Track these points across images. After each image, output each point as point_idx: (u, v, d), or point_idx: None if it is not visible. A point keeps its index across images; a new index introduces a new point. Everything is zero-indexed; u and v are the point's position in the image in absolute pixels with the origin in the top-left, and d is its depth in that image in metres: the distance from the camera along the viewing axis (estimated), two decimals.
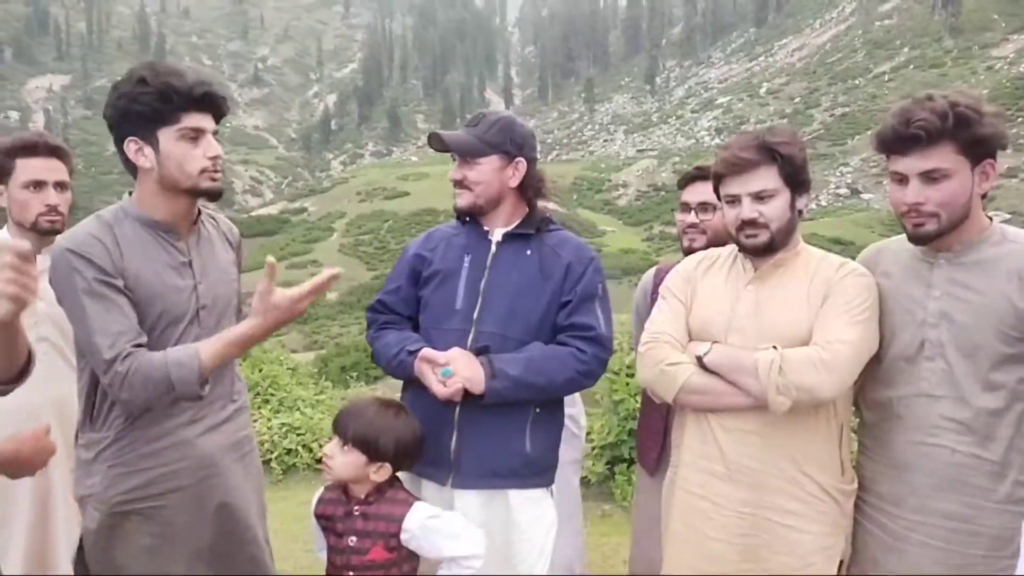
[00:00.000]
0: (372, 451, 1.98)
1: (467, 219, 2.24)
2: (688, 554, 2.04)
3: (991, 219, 1.91)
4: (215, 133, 1.95)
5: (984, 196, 1.87)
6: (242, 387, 2.15)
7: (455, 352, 2.06)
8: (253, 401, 6.25)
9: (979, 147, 1.80)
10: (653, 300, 2.35)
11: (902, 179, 1.86)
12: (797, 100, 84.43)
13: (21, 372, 1.62)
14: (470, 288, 2.14)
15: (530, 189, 2.21)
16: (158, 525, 1.92)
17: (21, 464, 1.74)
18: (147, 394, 1.80)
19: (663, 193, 62.87)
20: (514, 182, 2.18)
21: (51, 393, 2.37)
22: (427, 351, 2.06)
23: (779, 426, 1.91)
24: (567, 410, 2.36)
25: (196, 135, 1.90)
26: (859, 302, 1.91)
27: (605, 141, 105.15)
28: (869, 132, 1.98)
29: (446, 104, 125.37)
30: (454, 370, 2.01)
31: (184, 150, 1.89)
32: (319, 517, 2.09)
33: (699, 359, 1.96)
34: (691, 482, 2.04)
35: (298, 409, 6.40)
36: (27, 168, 2.38)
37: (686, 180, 2.66)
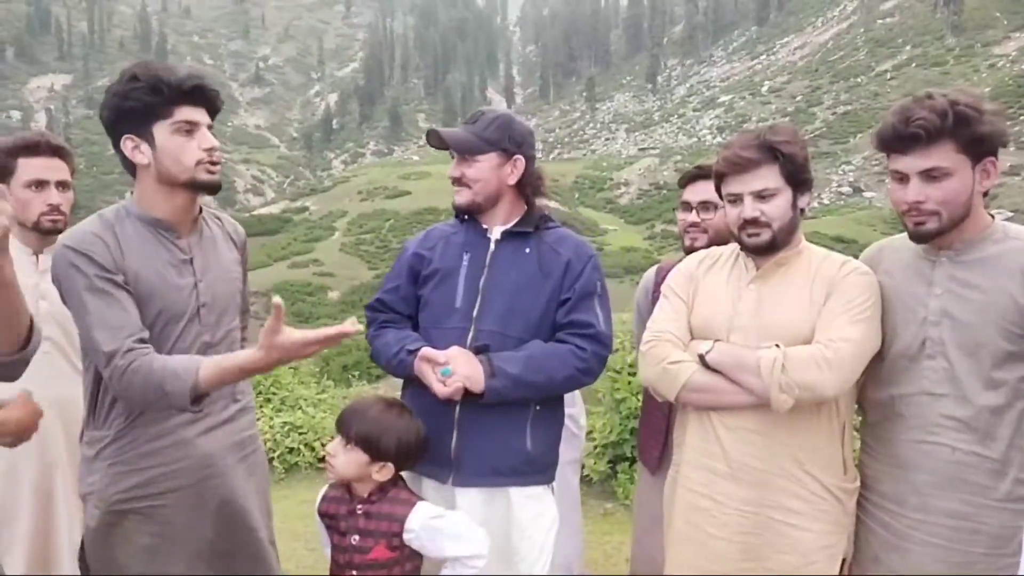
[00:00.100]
0: (374, 451, 1.99)
1: (466, 217, 2.24)
2: (690, 553, 2.04)
3: (993, 217, 1.91)
4: (210, 127, 1.96)
5: (986, 194, 1.87)
6: (247, 387, 2.15)
7: (454, 351, 2.06)
8: (255, 400, 6.25)
9: (979, 145, 1.80)
10: (654, 299, 2.35)
11: (902, 178, 1.86)
12: (799, 98, 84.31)
13: (25, 344, 1.62)
14: (469, 286, 2.14)
15: (528, 187, 2.21)
16: (157, 525, 1.93)
17: (10, 428, 1.78)
18: (142, 396, 1.80)
19: (665, 192, 62.79)
20: (512, 180, 2.18)
21: (54, 393, 2.37)
22: (427, 350, 2.06)
23: (781, 425, 1.91)
24: (567, 410, 2.36)
25: (191, 128, 1.91)
26: (861, 301, 1.91)
27: (607, 140, 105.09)
28: (871, 130, 1.98)
29: (447, 103, 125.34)
30: (454, 369, 2.01)
31: (179, 143, 1.89)
32: (323, 515, 2.10)
33: (701, 357, 1.96)
34: (693, 480, 2.04)
35: (300, 408, 6.40)
36: (29, 167, 2.39)
37: (687, 179, 2.66)
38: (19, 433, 1.87)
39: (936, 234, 1.85)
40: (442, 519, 1.99)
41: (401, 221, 51.78)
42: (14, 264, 2.39)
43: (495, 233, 2.20)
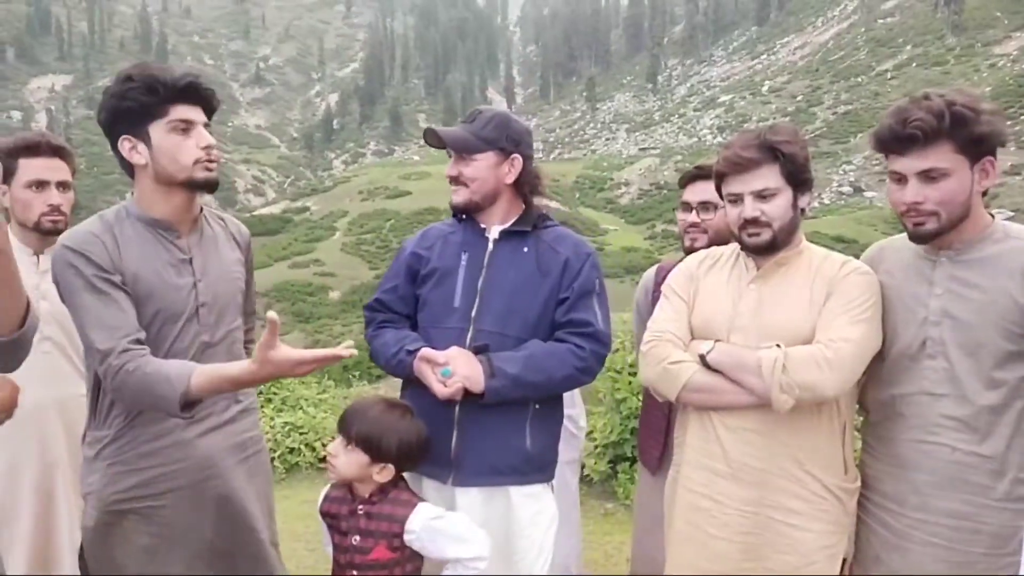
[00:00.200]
0: (375, 451, 1.98)
1: (463, 217, 2.24)
2: (690, 553, 2.04)
3: (993, 216, 1.91)
4: (207, 126, 1.96)
5: (985, 194, 1.87)
6: (250, 388, 2.15)
7: (454, 351, 2.06)
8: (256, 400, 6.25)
9: (977, 145, 1.80)
10: (654, 299, 2.35)
11: (901, 178, 1.87)
12: (799, 98, 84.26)
13: (20, 325, 1.61)
14: (468, 286, 2.14)
15: (526, 186, 2.21)
16: (156, 525, 1.93)
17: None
18: (134, 397, 1.80)
19: (665, 192, 62.77)
20: (510, 178, 2.18)
21: (54, 393, 2.38)
22: (426, 351, 2.06)
23: (782, 425, 1.91)
24: (567, 410, 2.36)
25: (187, 127, 1.91)
26: (862, 300, 1.91)
27: (607, 140, 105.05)
28: (871, 130, 1.98)
29: (448, 103, 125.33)
30: (453, 370, 2.01)
31: (176, 142, 1.90)
32: (324, 515, 2.10)
33: (702, 358, 1.96)
34: (694, 481, 2.04)
35: (301, 408, 6.41)
36: (30, 168, 2.39)
37: (687, 179, 2.66)
38: (7, 409, 1.86)
39: (935, 234, 1.85)
40: (443, 520, 1.99)
41: (402, 221, 51.77)
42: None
43: (493, 233, 2.20)
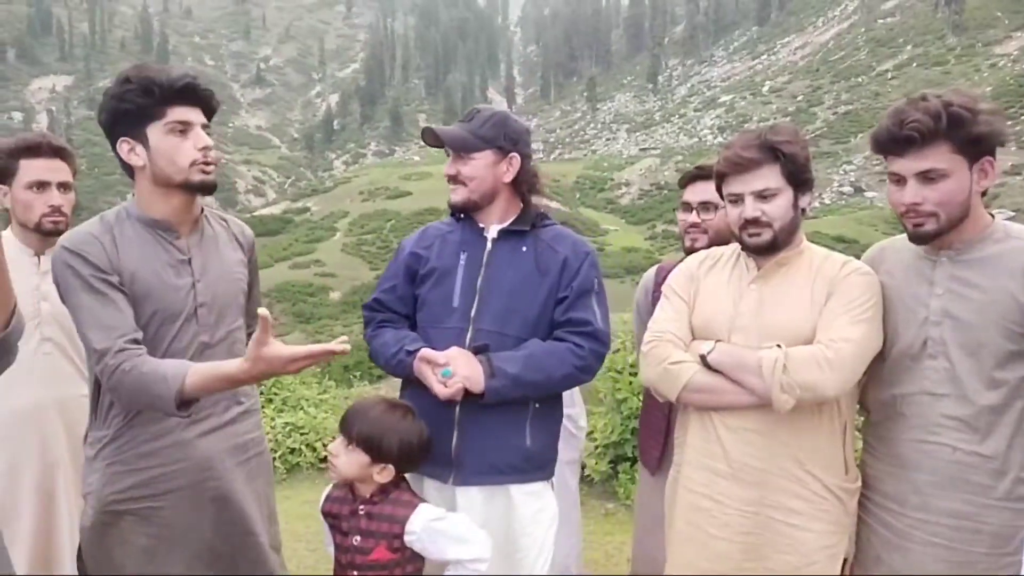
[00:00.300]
0: (376, 451, 1.98)
1: (461, 216, 2.24)
2: (691, 553, 2.04)
3: (993, 216, 1.91)
4: (205, 127, 1.96)
5: (984, 193, 1.87)
6: (251, 390, 2.14)
7: (454, 352, 2.06)
8: None
9: (975, 146, 1.80)
10: (655, 299, 2.35)
11: (899, 179, 1.87)
12: (800, 98, 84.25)
13: (5, 325, 1.60)
14: (467, 286, 2.14)
15: (524, 184, 2.21)
16: (155, 526, 1.92)
17: None
18: (130, 397, 1.80)
19: (666, 192, 62.76)
20: (508, 177, 2.18)
21: (55, 393, 2.38)
22: (426, 351, 2.06)
23: (783, 425, 1.91)
24: (567, 410, 2.36)
25: (184, 128, 1.91)
26: (863, 301, 1.91)
27: (608, 140, 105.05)
28: (871, 130, 1.99)
29: (448, 103, 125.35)
30: (454, 370, 2.01)
31: (173, 144, 1.90)
32: (326, 515, 2.10)
33: (702, 358, 1.96)
34: (694, 481, 2.04)
35: (302, 408, 6.41)
36: (30, 169, 2.39)
37: (687, 180, 2.66)
38: None
39: (935, 235, 1.85)
40: (443, 521, 1.99)
41: (402, 221, 51.77)
42: (15, 265, 2.41)
43: (491, 232, 2.20)
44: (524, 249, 2.17)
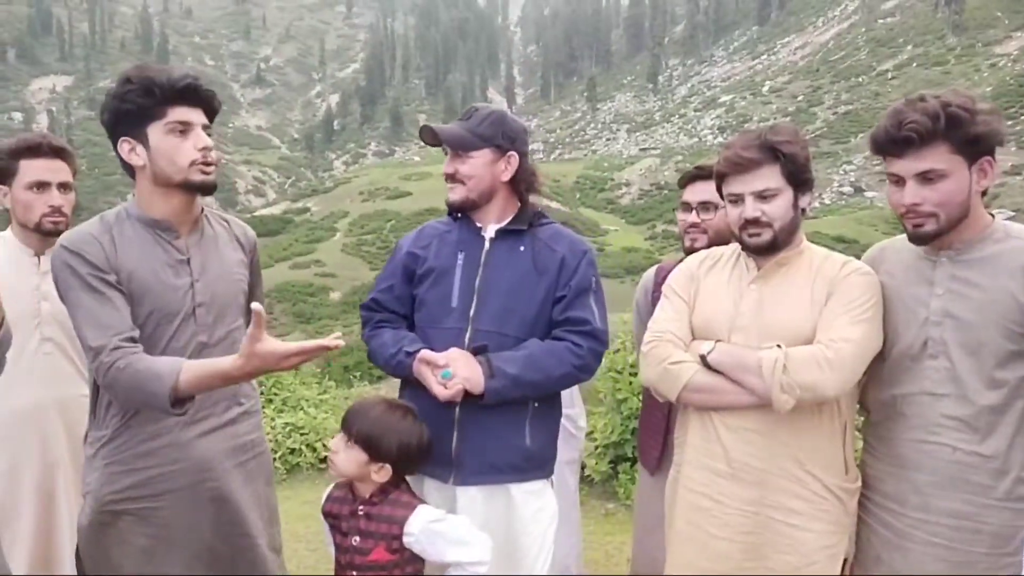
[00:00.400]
0: (374, 450, 1.98)
1: (459, 215, 2.23)
2: (691, 553, 2.04)
3: (993, 216, 1.91)
4: (206, 128, 1.96)
5: (984, 193, 1.87)
6: (251, 391, 2.14)
7: (454, 353, 2.06)
8: None
9: (974, 146, 1.80)
10: (654, 299, 2.35)
11: (899, 180, 1.87)
12: (800, 98, 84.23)
13: None
14: (465, 286, 2.14)
15: (523, 183, 2.21)
16: (153, 527, 1.92)
17: None
18: (125, 394, 1.80)
19: (666, 192, 62.73)
20: (506, 176, 2.18)
21: (55, 393, 2.38)
22: (426, 353, 2.06)
23: (783, 425, 1.91)
24: (566, 410, 2.36)
25: (184, 128, 1.91)
26: (863, 301, 1.91)
27: (608, 140, 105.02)
28: (871, 131, 1.99)
29: (448, 103, 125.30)
30: (453, 371, 2.01)
31: (173, 144, 1.90)
32: (326, 515, 2.10)
33: (702, 358, 1.96)
34: (694, 481, 2.04)
35: (302, 409, 6.41)
36: (31, 169, 2.39)
37: (686, 180, 2.66)
38: None
39: (935, 235, 1.85)
40: (443, 523, 1.98)
41: (403, 221, 51.74)
42: (16, 265, 2.41)
43: (489, 232, 2.20)
44: (522, 248, 2.17)
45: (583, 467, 4.75)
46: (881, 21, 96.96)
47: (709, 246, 2.41)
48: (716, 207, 2.50)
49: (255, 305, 1.67)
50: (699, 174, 2.58)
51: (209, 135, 1.96)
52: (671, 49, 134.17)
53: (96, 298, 1.83)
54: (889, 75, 78.87)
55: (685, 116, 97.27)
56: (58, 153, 2.44)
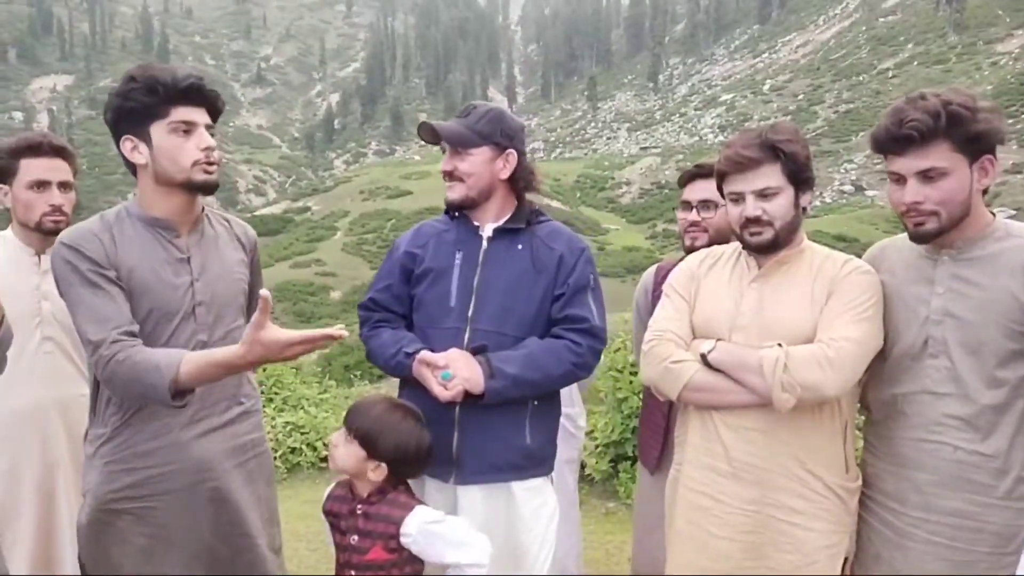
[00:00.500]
0: (371, 448, 1.98)
1: (456, 214, 2.23)
2: (692, 552, 2.04)
3: (994, 215, 1.91)
4: (209, 128, 1.96)
5: (985, 192, 1.87)
6: (252, 391, 2.13)
7: (454, 353, 2.05)
8: None
9: (975, 144, 1.80)
10: (655, 298, 2.35)
11: (900, 179, 1.87)
12: (801, 97, 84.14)
13: None
14: (463, 286, 2.13)
15: (521, 181, 2.20)
16: (151, 527, 1.92)
17: None
18: (124, 387, 1.79)
19: (666, 191, 62.70)
20: (505, 174, 2.18)
21: (55, 393, 2.38)
22: (425, 354, 2.06)
23: (783, 424, 1.91)
24: (565, 409, 2.36)
25: (188, 128, 1.91)
26: (863, 300, 1.91)
27: (608, 139, 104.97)
28: (872, 129, 1.99)
29: (449, 103, 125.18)
30: (453, 372, 2.01)
31: (176, 143, 1.90)
32: (327, 513, 2.10)
33: (703, 357, 1.96)
34: (695, 480, 2.04)
35: (302, 408, 6.42)
36: (31, 168, 2.39)
37: (686, 178, 2.65)
38: None
39: (936, 234, 1.85)
40: (441, 524, 1.97)
41: (403, 221, 51.74)
42: (16, 265, 2.41)
43: (487, 231, 2.19)
44: (520, 247, 2.16)
45: (583, 466, 4.76)
46: (882, 19, 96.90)
47: (709, 245, 2.41)
48: (716, 205, 2.50)
49: (263, 292, 1.65)
50: (699, 172, 2.57)
51: (212, 135, 1.96)
52: (672, 48, 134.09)
53: (96, 293, 1.83)
54: (890, 73, 78.79)
55: (686, 115, 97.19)
56: (59, 152, 2.44)
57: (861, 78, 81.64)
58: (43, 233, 2.41)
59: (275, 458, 5.64)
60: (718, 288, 2.07)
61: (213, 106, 1.98)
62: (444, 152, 2.20)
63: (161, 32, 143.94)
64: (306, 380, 7.42)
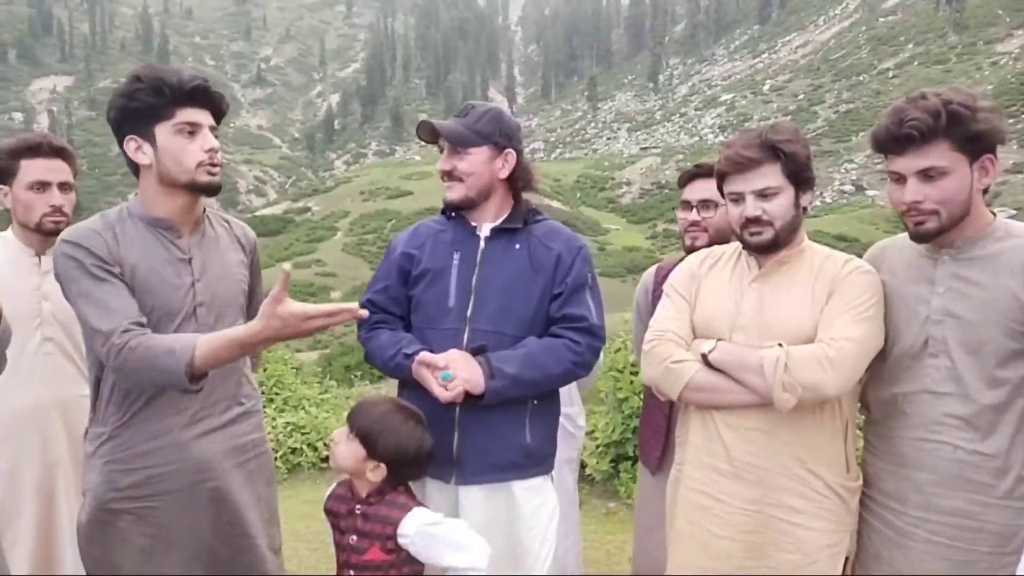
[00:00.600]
0: (371, 447, 1.98)
1: (453, 214, 2.23)
2: (692, 552, 2.04)
3: (995, 215, 1.91)
4: (213, 129, 1.96)
5: (986, 191, 1.87)
6: (252, 391, 2.13)
7: (453, 354, 2.05)
8: None
9: (975, 143, 1.80)
10: (654, 299, 2.35)
11: (900, 178, 1.87)
12: (801, 97, 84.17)
13: None
14: (462, 286, 2.13)
15: (519, 181, 2.20)
16: (151, 526, 1.92)
17: None
18: (138, 374, 1.78)
19: (667, 191, 62.74)
20: (504, 174, 2.18)
21: (55, 393, 2.38)
22: (425, 355, 2.05)
23: (784, 423, 1.91)
24: (565, 409, 2.36)
25: (192, 129, 1.91)
26: (864, 299, 1.91)
27: (608, 139, 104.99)
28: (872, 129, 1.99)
29: (449, 103, 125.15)
30: (453, 373, 2.01)
31: (180, 145, 1.90)
32: (328, 512, 2.10)
33: (704, 357, 1.96)
34: (696, 480, 2.04)
35: (303, 408, 6.41)
36: (31, 169, 2.39)
37: (686, 178, 2.65)
38: None
39: (936, 233, 1.85)
40: (440, 526, 1.97)
41: (403, 221, 51.75)
42: (16, 265, 2.42)
43: (484, 231, 2.19)
44: (517, 247, 2.16)
45: (584, 466, 4.76)
46: (882, 19, 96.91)
47: (710, 244, 2.41)
48: (716, 205, 2.50)
49: (285, 265, 1.64)
50: (699, 172, 2.57)
51: (216, 137, 1.96)
52: (672, 48, 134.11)
53: (102, 286, 1.83)
54: (890, 73, 78.80)
55: (686, 115, 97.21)
56: (58, 153, 2.44)
57: (861, 78, 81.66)
58: (43, 234, 2.41)
59: (276, 458, 5.63)
60: (719, 288, 2.07)
61: (217, 108, 1.98)
62: (442, 152, 2.19)
63: (161, 33, 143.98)
64: (307, 380, 7.42)
